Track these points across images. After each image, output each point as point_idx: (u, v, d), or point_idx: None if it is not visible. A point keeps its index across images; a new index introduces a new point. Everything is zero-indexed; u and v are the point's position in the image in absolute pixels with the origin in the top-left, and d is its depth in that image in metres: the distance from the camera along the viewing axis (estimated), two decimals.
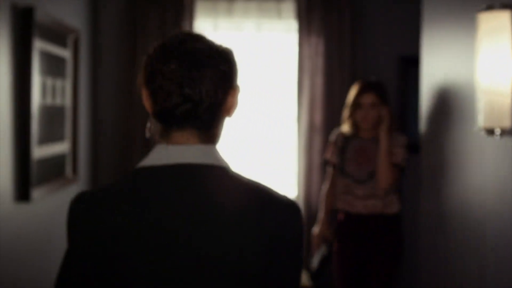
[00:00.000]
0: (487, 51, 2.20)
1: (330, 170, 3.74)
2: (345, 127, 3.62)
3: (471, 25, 2.40)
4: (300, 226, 1.29)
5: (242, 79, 4.62)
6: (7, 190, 2.91)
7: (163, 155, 1.29)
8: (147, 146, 4.55)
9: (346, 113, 3.61)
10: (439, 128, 2.88)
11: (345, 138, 3.64)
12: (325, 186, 3.75)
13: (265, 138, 4.73)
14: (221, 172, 1.29)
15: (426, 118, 3.16)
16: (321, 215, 3.74)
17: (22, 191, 3.03)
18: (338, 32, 4.60)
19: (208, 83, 1.31)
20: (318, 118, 4.58)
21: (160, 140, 1.33)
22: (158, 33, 4.59)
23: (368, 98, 3.48)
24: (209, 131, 1.33)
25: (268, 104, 4.70)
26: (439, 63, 2.87)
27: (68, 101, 3.83)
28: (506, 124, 2.15)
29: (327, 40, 4.60)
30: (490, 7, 2.20)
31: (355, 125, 3.59)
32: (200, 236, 1.22)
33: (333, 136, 3.72)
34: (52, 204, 3.58)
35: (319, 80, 4.60)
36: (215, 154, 1.32)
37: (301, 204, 4.57)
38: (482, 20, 2.21)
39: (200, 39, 1.38)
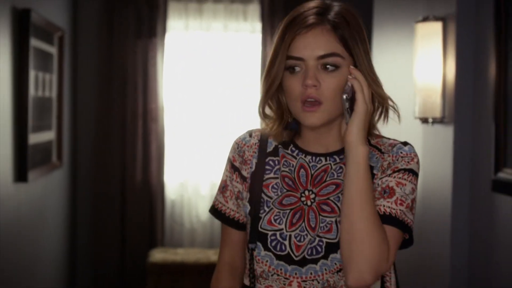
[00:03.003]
0: (422, 54, 2.69)
1: (226, 233, 1.56)
2: (267, 125, 1.51)
3: (410, 33, 2.90)
4: None
5: (208, 77, 4.91)
6: (8, 172, 3.29)
7: None
8: (124, 135, 4.95)
9: (264, 88, 1.45)
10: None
11: (263, 152, 1.50)
12: (216, 272, 1.57)
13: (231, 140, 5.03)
14: None
15: None
16: None
17: (21, 173, 3.42)
18: None
19: None
20: None
21: None
22: (133, 32, 4.95)
23: (315, 44, 1.37)
24: None
25: (233, 104, 5.01)
26: (385, 64, 3.36)
27: (54, 94, 4.22)
28: (436, 114, 2.66)
29: None
30: (425, 18, 2.70)
31: (288, 119, 1.48)
32: None
33: (236, 147, 1.54)
34: (43, 185, 3.99)
35: None
36: None
37: None
38: (419, 29, 2.70)
39: None
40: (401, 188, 1.36)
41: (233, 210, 1.52)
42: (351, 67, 1.37)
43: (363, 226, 1.30)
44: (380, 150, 1.42)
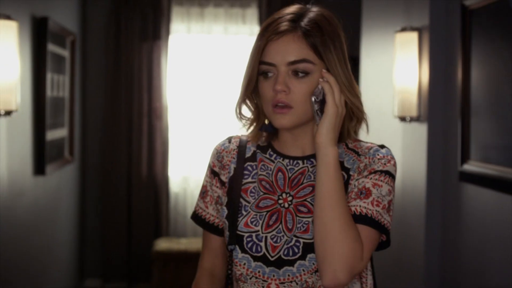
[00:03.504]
0: (401, 60, 3.03)
1: (207, 238, 1.55)
2: (244, 126, 1.54)
3: (391, 41, 3.24)
4: None
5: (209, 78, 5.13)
6: (28, 166, 3.62)
7: None
8: (130, 132, 5.24)
9: (240, 90, 1.49)
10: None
11: (242, 158, 1.52)
12: (196, 277, 1.57)
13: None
14: None
15: None
16: None
17: (40, 167, 3.75)
18: None
19: None
20: None
21: None
22: (139, 35, 5.23)
23: (285, 50, 1.39)
24: None
25: (232, 103, 5.26)
26: (370, 68, 3.70)
27: (66, 94, 4.54)
28: (413, 113, 2.99)
29: None
30: (403, 29, 3.04)
31: (264, 120, 1.51)
32: None
33: (215, 153, 1.58)
34: (58, 178, 4.32)
35: None
36: None
37: None
38: (398, 37, 3.04)
39: None
40: (377, 190, 1.37)
41: (213, 216, 1.52)
42: (323, 70, 1.38)
43: (335, 226, 1.31)
44: (357, 153, 1.43)
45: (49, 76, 3.90)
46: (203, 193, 1.54)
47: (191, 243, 4.96)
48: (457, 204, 2.79)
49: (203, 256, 1.55)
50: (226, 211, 1.47)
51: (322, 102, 1.37)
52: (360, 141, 1.47)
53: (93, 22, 5.29)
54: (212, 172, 1.53)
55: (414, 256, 3.05)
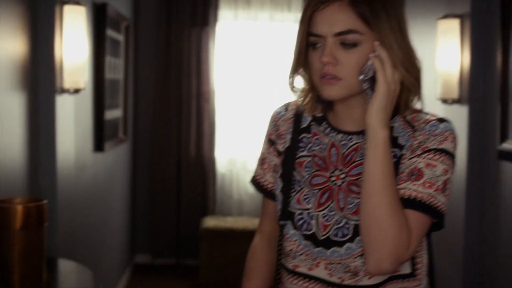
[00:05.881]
0: (443, 46, 3.19)
1: (265, 204, 1.57)
2: (299, 97, 1.48)
3: (433, 27, 3.40)
4: None
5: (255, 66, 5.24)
6: (89, 143, 3.88)
7: None
8: (179, 114, 5.46)
9: (293, 64, 1.44)
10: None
11: (298, 128, 1.49)
12: (255, 240, 1.60)
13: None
14: None
15: None
16: None
17: (99, 144, 4.00)
18: None
19: None
20: None
21: None
22: (188, 21, 5.43)
23: (331, 20, 1.31)
24: None
25: (277, 87, 5.42)
26: None
27: (121, 76, 4.78)
28: (454, 95, 3.16)
29: None
30: (445, 16, 3.20)
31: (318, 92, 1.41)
32: None
33: (272, 121, 1.55)
34: (114, 155, 4.58)
35: None
36: None
37: None
38: (440, 24, 3.20)
39: None
40: (430, 170, 1.26)
41: (271, 183, 1.49)
42: (375, 43, 1.28)
43: (381, 213, 1.23)
44: (413, 127, 1.33)
45: (107, 59, 4.14)
46: (261, 160, 1.52)
47: (236, 221, 5.13)
48: (496, 180, 2.95)
49: (261, 220, 1.55)
50: (280, 184, 1.44)
51: (373, 79, 1.28)
52: (420, 112, 1.36)
53: (145, 8, 5.52)
54: (269, 141, 1.50)
55: (454, 229, 3.21)
